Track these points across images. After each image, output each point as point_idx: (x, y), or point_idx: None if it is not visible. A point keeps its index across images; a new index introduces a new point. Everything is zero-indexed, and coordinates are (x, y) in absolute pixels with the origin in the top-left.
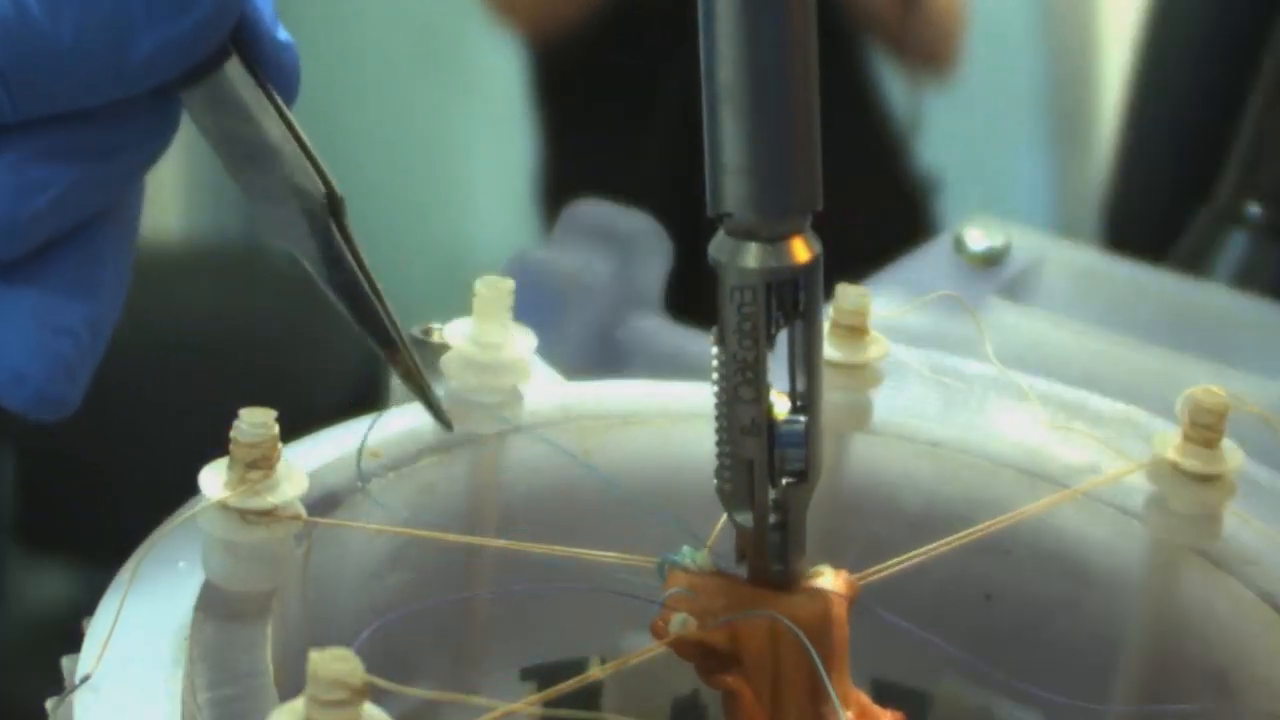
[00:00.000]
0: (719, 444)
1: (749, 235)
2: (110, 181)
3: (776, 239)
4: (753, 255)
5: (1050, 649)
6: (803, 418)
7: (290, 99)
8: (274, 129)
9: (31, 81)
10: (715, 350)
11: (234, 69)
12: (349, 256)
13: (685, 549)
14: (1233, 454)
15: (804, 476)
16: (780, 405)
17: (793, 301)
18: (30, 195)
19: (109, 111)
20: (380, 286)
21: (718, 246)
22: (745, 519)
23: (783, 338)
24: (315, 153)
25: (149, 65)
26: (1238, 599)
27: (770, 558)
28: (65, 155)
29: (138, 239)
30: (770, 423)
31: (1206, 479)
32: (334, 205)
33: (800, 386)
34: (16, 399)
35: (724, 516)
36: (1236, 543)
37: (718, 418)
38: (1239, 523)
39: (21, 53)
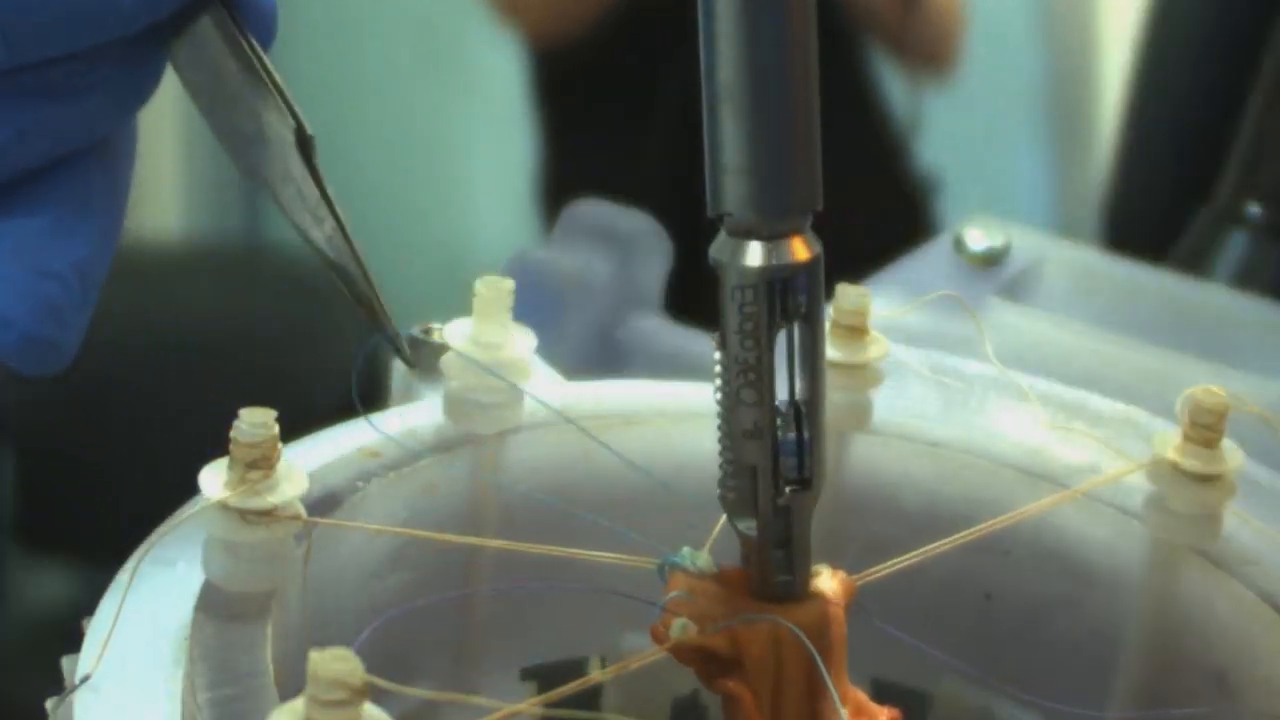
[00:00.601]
0: (721, 451)
1: (749, 235)
2: (77, 122)
3: (777, 238)
4: (753, 255)
5: (1050, 649)
6: (805, 424)
7: (267, 44)
8: (248, 72)
9: (28, 26)
10: (716, 354)
11: (216, 14)
12: (318, 190)
13: (685, 550)
14: (1233, 454)
15: (808, 484)
16: (783, 411)
17: (793, 302)
18: None
19: (82, 53)
20: (347, 227)
21: (718, 247)
22: (749, 528)
23: (782, 345)
24: (289, 94)
25: (141, 5)
26: (1238, 599)
27: (775, 569)
28: (25, 93)
29: (130, 190)
30: (773, 428)
31: (1206, 479)
32: (303, 143)
33: (802, 390)
34: (2, 344)
35: (724, 518)
36: (1236, 543)
37: (720, 423)
38: (1239, 523)
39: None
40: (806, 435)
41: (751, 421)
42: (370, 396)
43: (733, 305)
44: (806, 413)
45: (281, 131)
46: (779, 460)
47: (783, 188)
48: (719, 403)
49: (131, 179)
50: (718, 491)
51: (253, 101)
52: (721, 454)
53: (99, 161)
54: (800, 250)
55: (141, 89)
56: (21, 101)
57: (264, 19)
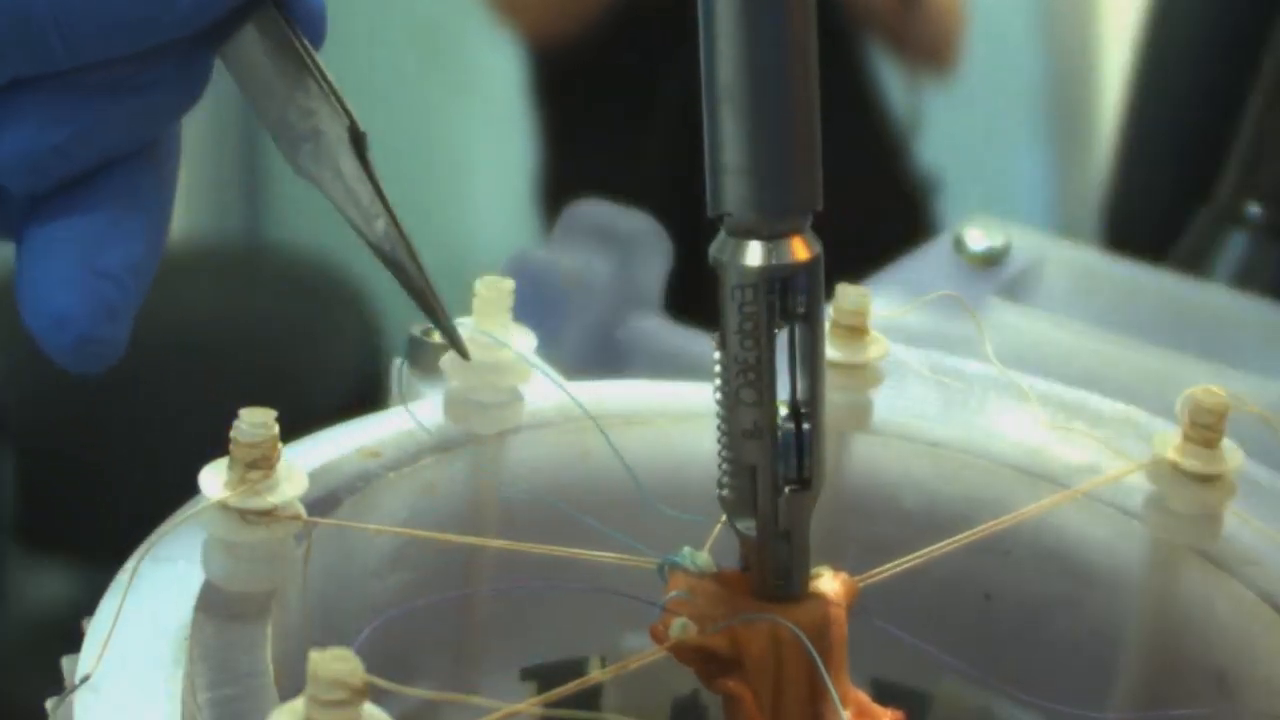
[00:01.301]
0: (721, 451)
1: (749, 235)
2: (134, 124)
3: (777, 238)
4: (753, 254)
5: (1050, 649)
6: (806, 424)
7: (318, 43)
8: (301, 71)
9: (86, 27)
10: (716, 354)
11: (267, 14)
12: (372, 188)
13: (686, 550)
14: (1233, 454)
15: (807, 484)
16: (783, 411)
17: (793, 302)
18: (51, 130)
19: (137, 54)
20: (400, 220)
21: (718, 246)
22: (748, 528)
23: (783, 342)
24: (340, 92)
25: (197, 7)
26: (1238, 599)
27: (775, 569)
28: (89, 94)
29: (174, 192)
30: (773, 427)
31: (1206, 479)
32: (356, 139)
33: (802, 390)
34: (58, 343)
35: (723, 518)
36: (1236, 543)
37: (719, 423)
38: (1239, 523)
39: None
40: (806, 435)
41: (751, 421)
42: (370, 396)
43: (733, 305)
44: (806, 413)
45: (334, 128)
46: (778, 460)
47: (783, 188)
48: (719, 402)
49: (176, 178)
50: (717, 491)
51: (304, 99)
52: (721, 454)
53: (148, 161)
54: (800, 250)
55: (194, 89)
56: (81, 102)
57: (314, 18)
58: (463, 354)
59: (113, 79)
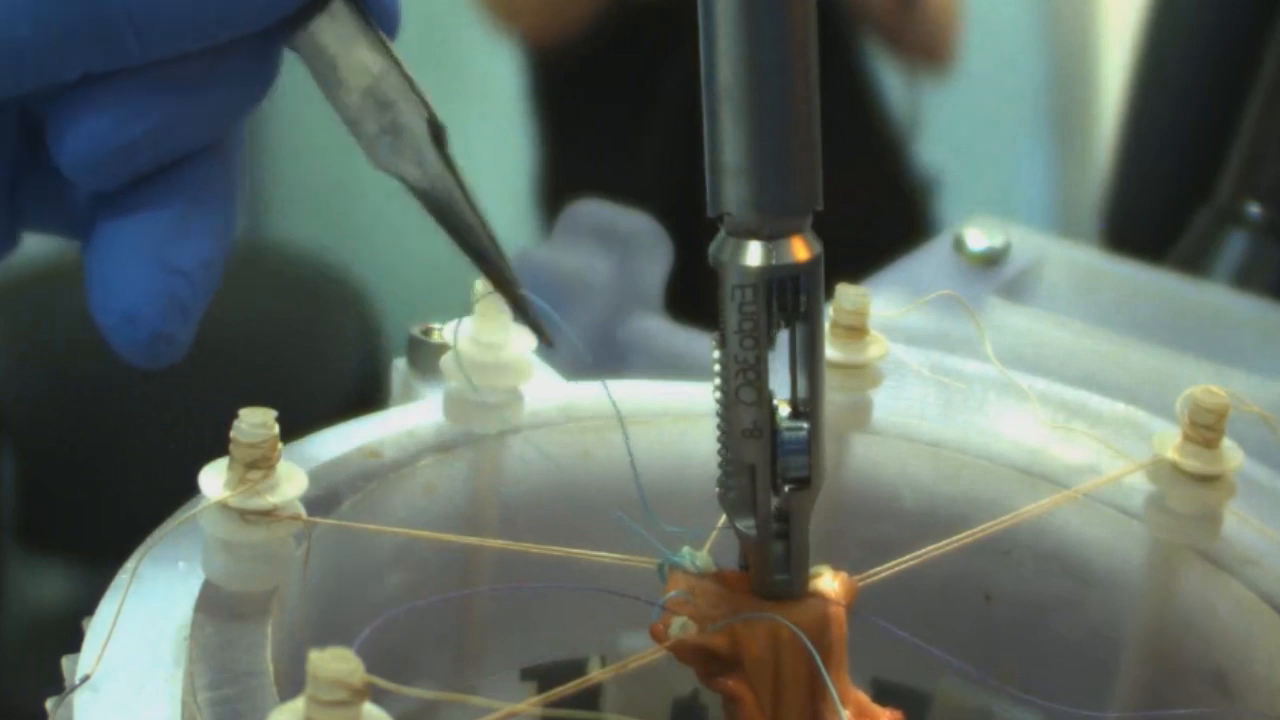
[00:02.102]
0: (720, 450)
1: (749, 235)
2: (205, 119)
3: (777, 238)
4: (753, 254)
5: (1050, 649)
6: (804, 423)
7: (392, 34)
8: (377, 63)
9: (159, 22)
10: (716, 353)
11: (341, 6)
12: (454, 179)
13: (685, 550)
14: (1233, 454)
15: (807, 483)
16: (782, 410)
17: (793, 302)
18: (127, 125)
19: (209, 49)
20: (480, 210)
21: (718, 246)
22: (748, 527)
23: (783, 342)
24: (418, 84)
25: (271, 1)
26: (1238, 599)
27: (774, 568)
28: (160, 89)
29: (240, 187)
30: (772, 427)
31: (1206, 479)
32: (436, 132)
33: (801, 389)
34: (129, 340)
35: (724, 518)
36: (1236, 543)
37: (719, 423)
38: (1239, 523)
39: None
40: (805, 434)
41: (750, 421)
42: (370, 396)
43: (732, 305)
44: (806, 412)
45: (413, 121)
46: (778, 459)
47: (783, 187)
48: (718, 402)
49: (241, 174)
50: (717, 491)
51: (382, 92)
52: (721, 453)
53: (216, 156)
54: (800, 250)
55: (265, 83)
56: (156, 98)
57: (389, 9)
58: (544, 337)
59: (186, 74)
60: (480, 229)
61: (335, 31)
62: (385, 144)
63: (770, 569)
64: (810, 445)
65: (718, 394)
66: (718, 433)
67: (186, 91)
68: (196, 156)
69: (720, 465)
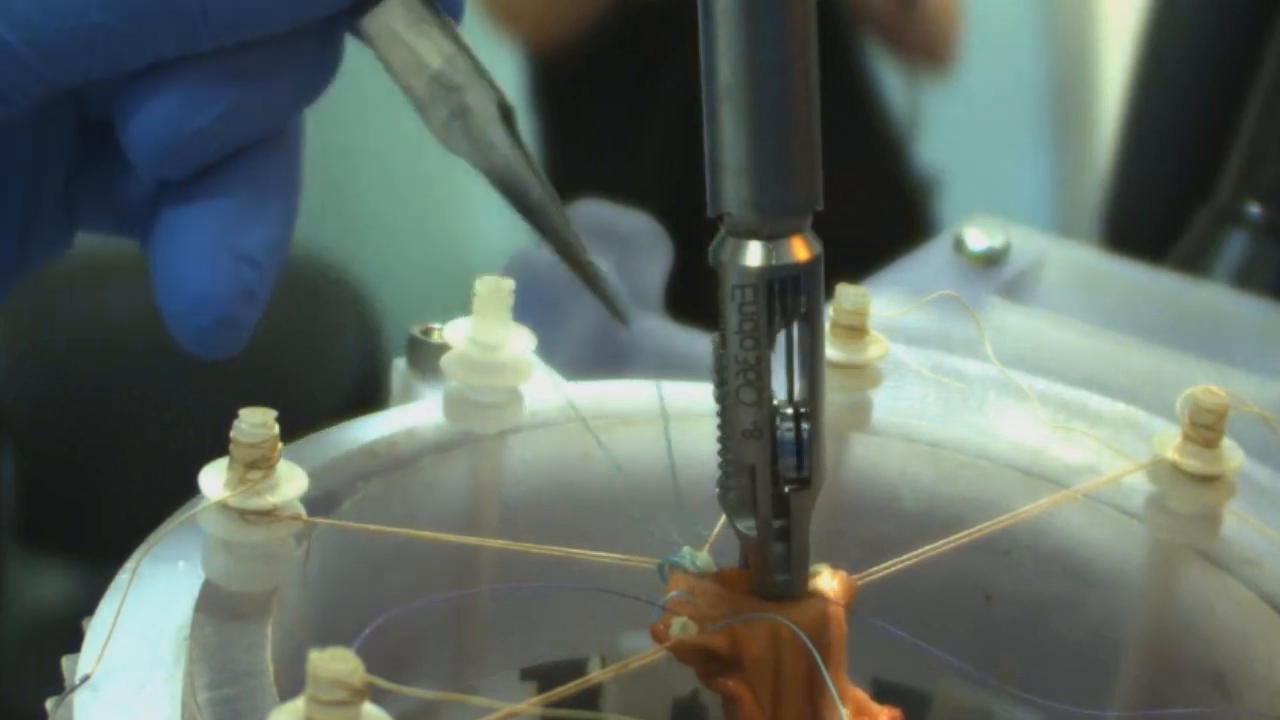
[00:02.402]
0: (720, 451)
1: (749, 235)
2: (273, 107)
3: (777, 238)
4: (753, 254)
5: (1050, 649)
6: (805, 424)
7: (458, 17)
8: (446, 47)
9: (229, 10)
10: (716, 354)
11: None
12: (525, 161)
13: (686, 550)
14: (1233, 454)
15: (807, 483)
16: (782, 411)
17: (793, 302)
18: (196, 113)
19: (274, 37)
20: (552, 191)
21: (718, 246)
22: (748, 527)
23: (781, 345)
24: (484, 67)
25: None
26: (1238, 599)
27: (774, 568)
28: (230, 76)
29: (301, 175)
30: (772, 427)
31: (1206, 479)
32: (505, 114)
33: (801, 390)
34: (195, 326)
35: (723, 518)
36: (1236, 543)
37: (719, 424)
38: (1239, 523)
39: None
40: (806, 434)
41: (751, 421)
42: (370, 397)
43: (732, 305)
44: (806, 412)
45: (482, 103)
46: (778, 460)
47: (783, 187)
48: (718, 402)
49: (300, 170)
50: (717, 491)
51: (451, 75)
52: (721, 454)
53: (278, 144)
54: (800, 250)
55: (330, 69)
56: (224, 85)
57: None
58: (622, 320)
59: (254, 62)
60: (552, 209)
61: (403, 16)
62: (456, 128)
63: (770, 569)
64: (810, 445)
65: (718, 394)
66: (718, 433)
67: (254, 79)
68: (261, 144)
69: (720, 465)
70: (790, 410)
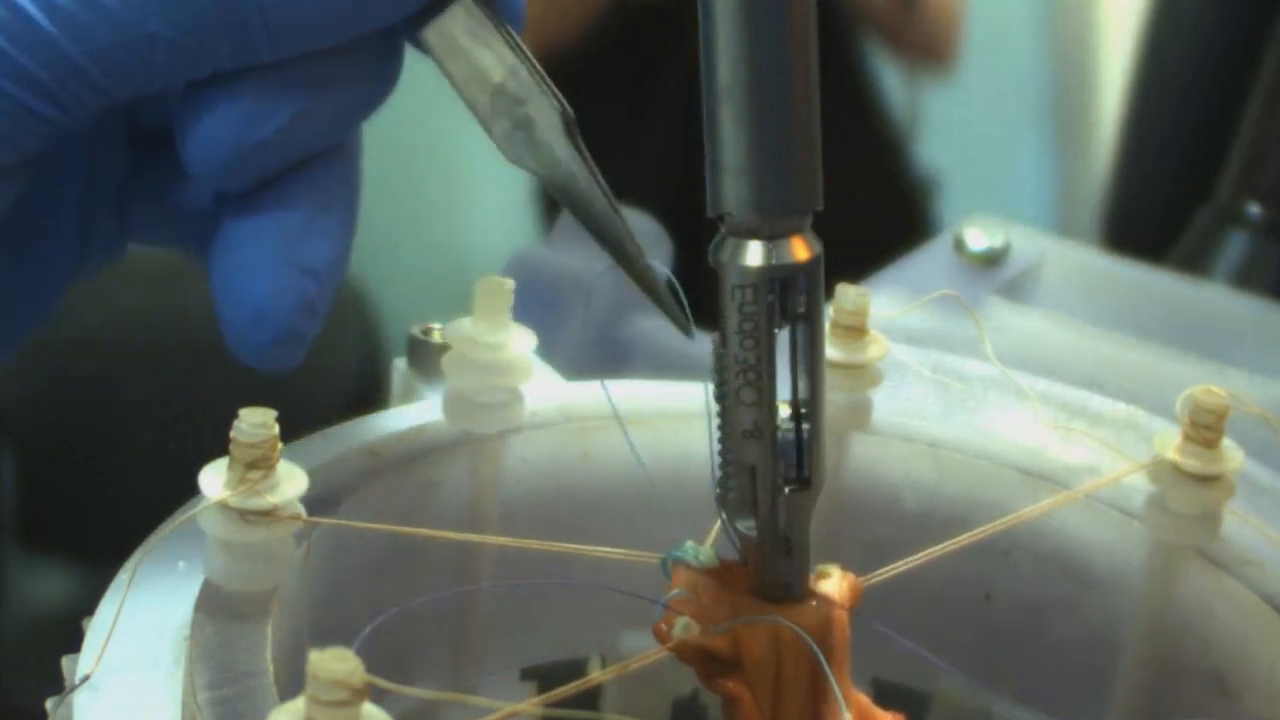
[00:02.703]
0: (721, 451)
1: (749, 234)
2: (333, 118)
3: (777, 238)
4: (753, 254)
5: (1050, 650)
6: (806, 425)
7: (520, 28)
8: (508, 58)
9: (290, 19)
10: (716, 353)
11: (469, 4)
12: (587, 171)
13: (689, 544)
14: (1233, 454)
15: (807, 484)
16: (783, 411)
17: (793, 302)
18: (257, 126)
19: (335, 48)
20: (614, 201)
21: (718, 246)
22: (748, 528)
23: (783, 344)
24: (546, 77)
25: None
26: (1238, 599)
27: (775, 569)
28: (290, 88)
29: (361, 188)
30: (773, 427)
31: (1206, 479)
32: (568, 124)
33: (802, 390)
34: (256, 339)
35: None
36: (1236, 543)
37: (720, 425)
38: (1239, 523)
39: None
40: (806, 435)
41: (751, 421)
42: (370, 397)
43: (733, 305)
44: (807, 412)
45: (546, 115)
46: (779, 460)
47: (783, 187)
48: (718, 402)
49: (360, 180)
50: (716, 491)
51: (514, 87)
52: (721, 454)
53: (337, 157)
54: (800, 250)
55: (390, 81)
56: (285, 97)
57: (516, 3)
58: (686, 332)
59: (315, 73)
60: (615, 221)
61: (464, 25)
62: (519, 140)
63: (771, 571)
64: (811, 446)
65: (718, 395)
66: (718, 433)
67: (315, 90)
68: (321, 155)
69: (720, 466)
70: (790, 410)
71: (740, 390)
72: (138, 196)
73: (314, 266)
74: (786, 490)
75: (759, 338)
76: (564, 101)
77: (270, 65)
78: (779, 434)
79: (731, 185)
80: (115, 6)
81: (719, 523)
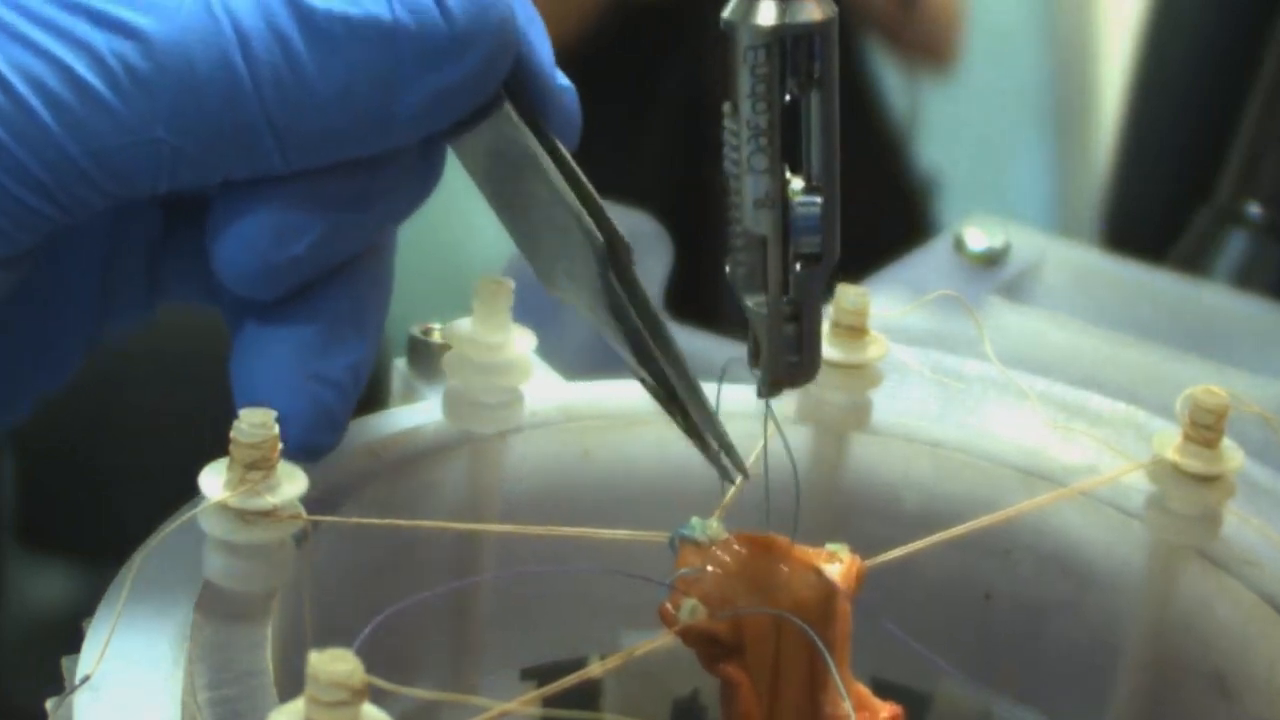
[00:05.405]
0: (731, 224)
1: None
2: (368, 228)
3: None
4: (766, 13)
5: (1050, 649)
6: (818, 198)
7: (571, 145)
8: (551, 175)
9: (302, 133)
10: (727, 123)
11: (508, 115)
12: (631, 309)
13: (695, 520)
14: (1233, 454)
15: (818, 259)
16: (795, 184)
17: (807, 66)
18: (289, 240)
19: (372, 159)
20: (669, 336)
21: (731, 9)
22: (758, 304)
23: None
24: (598, 199)
25: (418, 117)
26: (1238, 599)
27: (785, 348)
28: (324, 202)
29: (392, 286)
30: (784, 197)
31: (1206, 479)
32: (615, 254)
33: (815, 162)
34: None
35: (730, 490)
36: (1236, 543)
37: (730, 195)
38: (1239, 523)
39: (292, 104)
40: (819, 208)
41: (763, 190)
42: (370, 397)
43: (745, 68)
44: (820, 185)
45: (589, 244)
46: (790, 232)
47: None
48: (729, 174)
49: (393, 274)
50: (726, 267)
51: (558, 214)
52: (731, 227)
53: (372, 257)
54: (814, 9)
55: (428, 189)
56: (317, 211)
57: (568, 116)
58: (729, 479)
59: (346, 185)
60: (669, 365)
61: (504, 141)
62: (561, 270)
63: (780, 350)
64: (824, 218)
65: (728, 166)
66: (729, 206)
67: (347, 203)
68: (354, 260)
69: (730, 239)
70: (804, 184)
71: (752, 157)
72: (171, 257)
73: (334, 377)
74: (798, 266)
75: (771, 101)
76: (614, 228)
77: (300, 175)
78: (792, 207)
79: None
80: (120, 109)
81: (727, 496)
